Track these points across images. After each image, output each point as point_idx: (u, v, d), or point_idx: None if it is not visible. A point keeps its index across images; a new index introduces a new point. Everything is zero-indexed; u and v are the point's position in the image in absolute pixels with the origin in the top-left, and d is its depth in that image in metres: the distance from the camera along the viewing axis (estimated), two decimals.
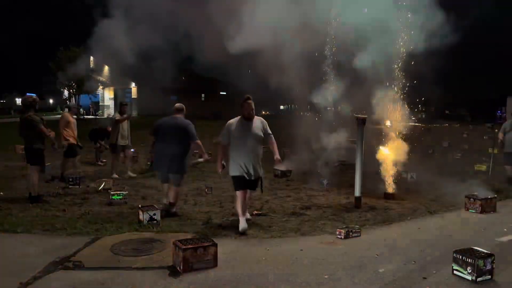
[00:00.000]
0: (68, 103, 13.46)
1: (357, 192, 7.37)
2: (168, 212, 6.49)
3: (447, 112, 45.00)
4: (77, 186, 8.51)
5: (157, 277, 4.22)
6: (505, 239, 5.66)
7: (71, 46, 32.06)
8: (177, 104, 6.92)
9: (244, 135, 5.93)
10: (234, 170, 5.95)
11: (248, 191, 6.10)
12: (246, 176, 5.90)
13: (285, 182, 9.65)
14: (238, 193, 5.99)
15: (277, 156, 6.14)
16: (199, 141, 6.68)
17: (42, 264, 4.46)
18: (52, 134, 7.32)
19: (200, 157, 7.58)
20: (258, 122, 6.08)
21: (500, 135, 10.18)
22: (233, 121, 6.09)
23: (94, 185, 8.56)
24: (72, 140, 9.57)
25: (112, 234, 5.54)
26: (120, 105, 10.51)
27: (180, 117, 6.77)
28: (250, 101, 5.97)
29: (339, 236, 5.58)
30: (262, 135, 6.07)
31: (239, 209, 5.93)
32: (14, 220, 5.96)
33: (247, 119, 6.00)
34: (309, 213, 6.91)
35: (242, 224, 5.76)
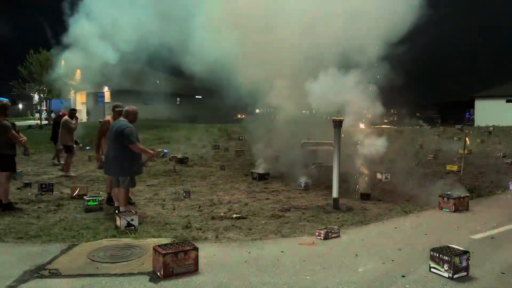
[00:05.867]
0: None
1: (334, 194, 7.45)
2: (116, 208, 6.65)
3: (418, 114, 46.16)
4: (50, 193, 8.29)
5: (137, 283, 4.14)
6: (478, 236, 5.84)
7: (41, 49, 31.22)
8: (128, 108, 6.73)
9: None
10: None
11: None
12: None
13: (264, 185, 9.66)
14: None
15: None
16: (136, 145, 6.37)
17: (17, 273, 4.31)
18: (24, 139, 7.10)
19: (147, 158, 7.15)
20: None
21: None
22: None
23: (68, 191, 8.35)
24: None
25: (89, 240, 5.41)
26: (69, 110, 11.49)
27: (121, 120, 6.59)
28: None
29: (318, 237, 5.63)
30: None
31: None
32: None
33: None
34: (288, 215, 6.94)
35: None
